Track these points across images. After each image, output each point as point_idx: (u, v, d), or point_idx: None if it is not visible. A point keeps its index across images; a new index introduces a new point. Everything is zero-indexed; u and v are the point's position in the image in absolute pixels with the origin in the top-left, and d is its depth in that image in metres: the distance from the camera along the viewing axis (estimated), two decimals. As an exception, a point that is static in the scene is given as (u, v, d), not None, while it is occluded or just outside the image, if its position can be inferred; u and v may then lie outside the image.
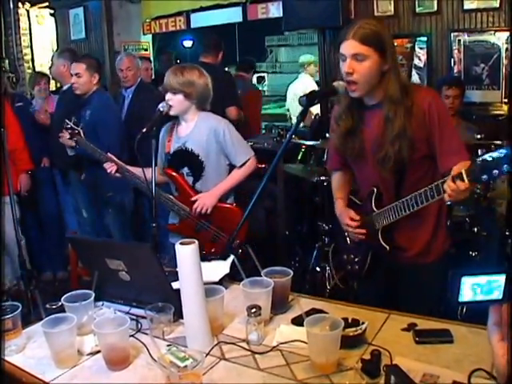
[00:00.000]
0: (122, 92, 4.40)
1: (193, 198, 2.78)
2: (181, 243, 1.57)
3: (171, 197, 2.84)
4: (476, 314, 1.10)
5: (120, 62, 4.30)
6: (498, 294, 0.97)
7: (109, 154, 2.89)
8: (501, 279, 0.96)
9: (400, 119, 1.91)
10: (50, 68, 4.64)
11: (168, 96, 2.71)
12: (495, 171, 1.53)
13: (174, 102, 2.70)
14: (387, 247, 2.06)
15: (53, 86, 6.13)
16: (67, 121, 3.04)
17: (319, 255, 3.78)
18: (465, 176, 1.61)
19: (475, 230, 3.26)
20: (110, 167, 2.84)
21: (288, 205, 4.20)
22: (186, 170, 2.83)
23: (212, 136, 2.76)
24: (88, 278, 2.01)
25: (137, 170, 2.77)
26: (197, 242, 1.57)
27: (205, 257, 1.61)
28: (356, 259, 2.23)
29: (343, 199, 2.27)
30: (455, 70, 4.13)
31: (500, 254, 3.16)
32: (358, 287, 2.30)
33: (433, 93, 2.06)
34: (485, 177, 1.56)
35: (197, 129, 2.79)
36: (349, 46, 1.87)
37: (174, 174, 2.83)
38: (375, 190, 2.08)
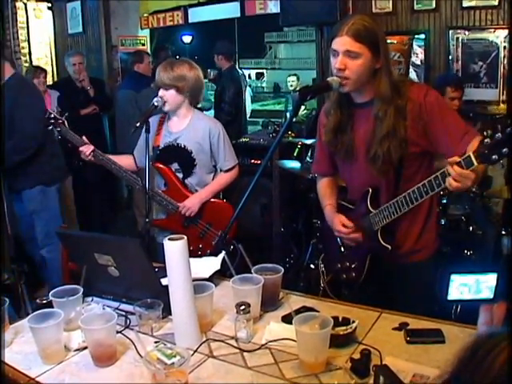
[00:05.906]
0: None
1: (179, 204, 2.78)
2: (169, 239, 1.55)
3: (159, 191, 2.82)
4: (470, 313, 1.08)
5: None
6: (488, 293, 0.95)
7: (84, 138, 2.81)
8: (491, 278, 0.94)
9: (390, 119, 1.88)
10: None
11: (161, 92, 2.71)
12: (505, 150, 1.49)
13: (168, 97, 2.70)
14: (389, 247, 1.98)
15: (50, 80, 6.11)
16: (49, 110, 2.83)
17: (314, 252, 3.77)
18: (473, 159, 1.56)
19: (471, 228, 3.25)
20: (86, 149, 2.77)
21: (283, 202, 4.17)
22: (175, 165, 2.82)
23: (207, 135, 2.77)
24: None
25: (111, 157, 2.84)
26: (186, 237, 1.56)
27: (192, 253, 1.59)
28: (353, 265, 2.12)
29: (332, 205, 2.20)
30: (454, 68, 4.11)
31: (495, 253, 3.14)
32: (351, 293, 2.22)
33: (426, 86, 2.06)
34: (495, 157, 1.52)
35: (191, 126, 2.79)
36: (342, 42, 1.83)
37: (164, 167, 2.81)
38: (370, 189, 2.02)
